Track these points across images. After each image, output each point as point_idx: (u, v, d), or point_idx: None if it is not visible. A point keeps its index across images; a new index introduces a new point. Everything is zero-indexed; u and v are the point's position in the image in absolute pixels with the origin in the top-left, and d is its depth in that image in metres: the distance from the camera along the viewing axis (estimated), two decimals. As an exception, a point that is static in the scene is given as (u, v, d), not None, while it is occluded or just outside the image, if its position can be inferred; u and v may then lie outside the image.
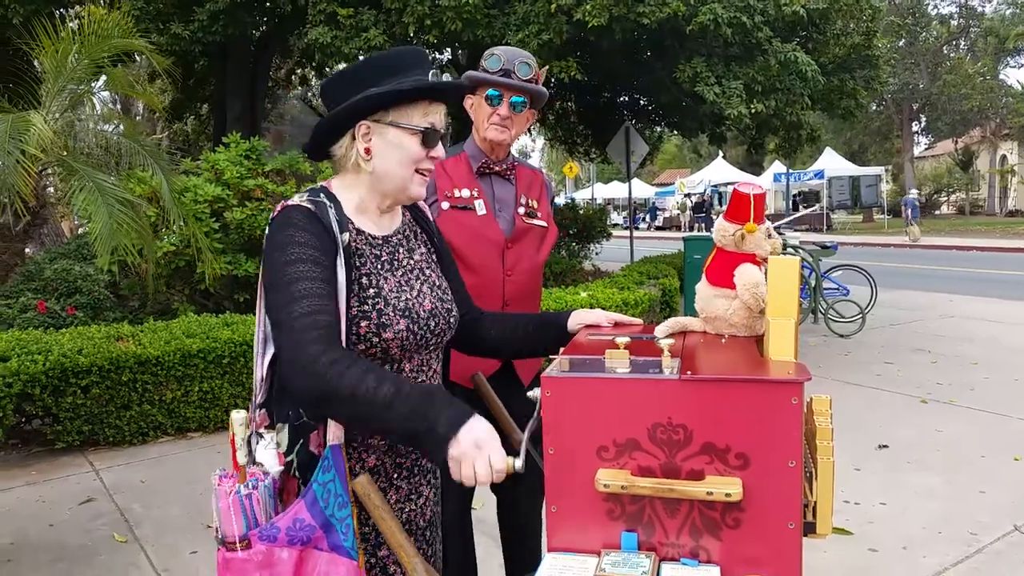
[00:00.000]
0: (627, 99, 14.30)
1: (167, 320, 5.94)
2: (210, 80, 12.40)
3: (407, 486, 1.69)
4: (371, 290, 1.58)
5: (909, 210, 25.77)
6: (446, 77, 1.78)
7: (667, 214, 38.81)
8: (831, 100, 9.90)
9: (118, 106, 29.63)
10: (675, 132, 15.52)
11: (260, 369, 1.61)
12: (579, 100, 15.96)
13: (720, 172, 35.16)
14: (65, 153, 3.38)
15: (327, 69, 13.97)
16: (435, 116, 1.61)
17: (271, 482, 1.55)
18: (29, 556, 3.69)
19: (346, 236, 1.56)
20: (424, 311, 1.65)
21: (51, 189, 3.46)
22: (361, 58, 1.89)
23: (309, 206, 1.55)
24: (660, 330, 1.68)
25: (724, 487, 1.30)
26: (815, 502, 1.41)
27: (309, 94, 22.21)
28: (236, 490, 1.49)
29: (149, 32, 8.64)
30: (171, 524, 4.01)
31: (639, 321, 1.85)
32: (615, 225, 18.69)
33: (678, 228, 35.55)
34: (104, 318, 6.51)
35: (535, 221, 2.57)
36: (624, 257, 13.07)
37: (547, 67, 2.75)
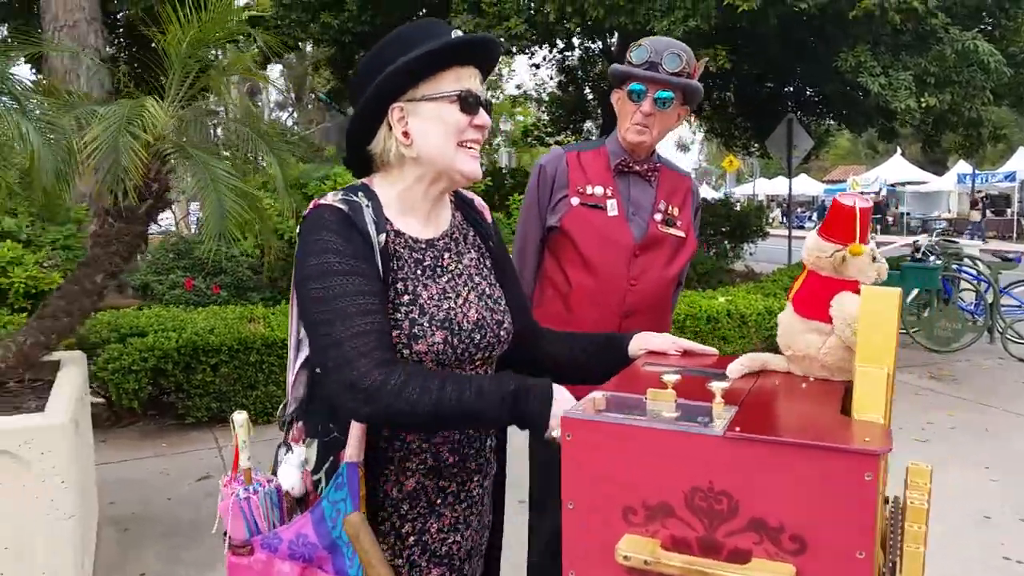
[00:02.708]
0: (791, 90, 13.46)
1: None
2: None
3: (451, 514, 1.52)
4: (405, 297, 1.42)
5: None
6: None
7: (836, 213, 36.54)
8: (1021, 94, 8.81)
9: (291, 95, 31.48)
10: (842, 126, 14.47)
11: (292, 375, 1.50)
12: (738, 90, 15.23)
13: (897, 170, 32.69)
14: (184, 139, 3.43)
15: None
16: (469, 81, 1.43)
17: (274, 489, 1.47)
18: (146, 527, 3.85)
19: (383, 238, 1.41)
20: (468, 322, 1.47)
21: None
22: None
23: (342, 207, 1.40)
24: (733, 369, 1.40)
25: (772, 575, 1.04)
26: (895, 604, 1.12)
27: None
28: (235, 493, 1.43)
29: (302, 22, 8.97)
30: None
31: (714, 351, 1.58)
32: (772, 223, 17.76)
33: (847, 229, 33.35)
34: (247, 298, 6.80)
35: (672, 230, 2.37)
36: (782, 258, 12.36)
37: (705, 58, 2.51)
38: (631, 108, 2.26)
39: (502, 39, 7.66)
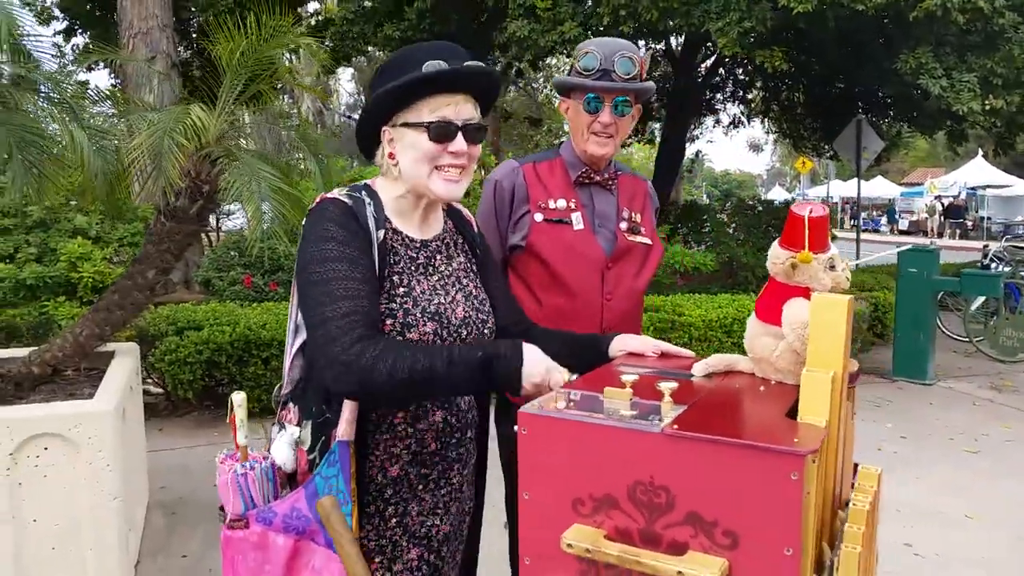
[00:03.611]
0: (860, 90, 13.13)
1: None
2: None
3: (431, 499, 1.63)
4: (401, 289, 1.53)
5: None
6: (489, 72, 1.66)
7: (913, 217, 35.38)
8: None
9: (362, 97, 32.11)
10: (911, 128, 14.03)
11: (289, 358, 1.61)
12: (807, 91, 14.92)
13: (978, 173, 31.40)
14: (233, 143, 3.60)
15: (541, 63, 14.14)
16: (447, 109, 1.50)
17: (269, 465, 1.57)
18: (192, 512, 4.04)
19: (381, 233, 1.53)
20: (456, 318, 1.58)
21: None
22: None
23: (346, 200, 1.53)
24: (698, 368, 1.46)
25: (701, 568, 1.09)
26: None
27: (529, 87, 22.62)
28: (233, 469, 1.53)
29: (364, 33, 9.21)
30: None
31: (690, 353, 1.63)
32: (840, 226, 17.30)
33: (924, 234, 32.31)
34: (303, 295, 7.01)
35: (638, 238, 2.28)
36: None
37: (649, 52, 2.48)
38: (587, 119, 2.16)
39: (555, 44, 7.72)
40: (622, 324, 2.18)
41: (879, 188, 37.07)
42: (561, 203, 2.22)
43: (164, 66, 8.57)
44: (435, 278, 1.60)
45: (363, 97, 31.73)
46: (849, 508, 1.22)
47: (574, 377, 1.40)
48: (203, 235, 10.65)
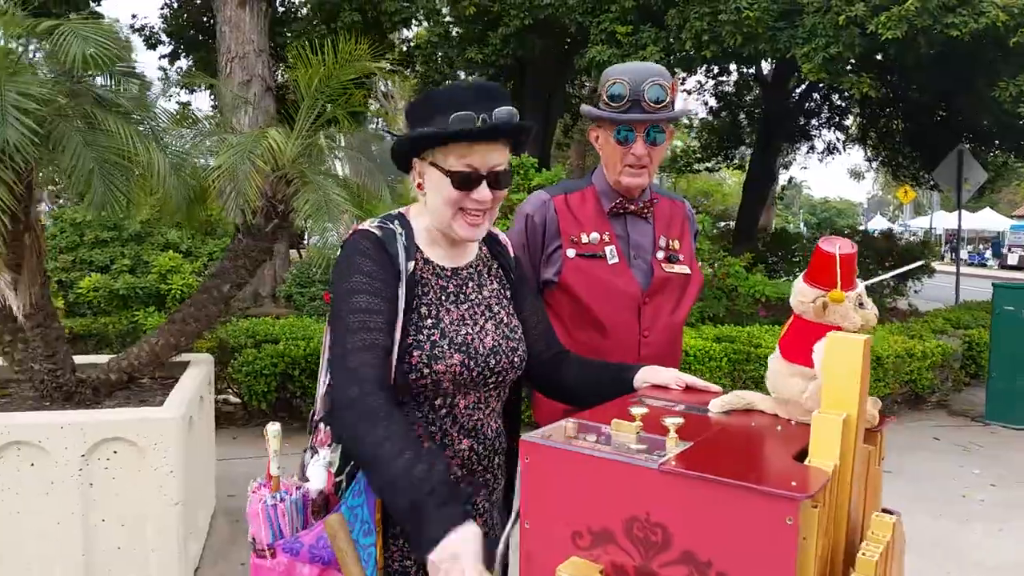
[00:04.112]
0: (963, 119, 12.60)
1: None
2: (514, 100, 13.13)
3: None
4: (429, 320, 1.55)
5: None
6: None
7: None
8: None
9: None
10: (1018, 158, 13.33)
11: (323, 385, 1.64)
12: (906, 118, 14.41)
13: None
14: (307, 166, 3.73)
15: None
16: (476, 157, 1.51)
17: (300, 496, 1.59)
18: (257, 519, 4.16)
19: (411, 264, 1.55)
20: (484, 348, 1.59)
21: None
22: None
23: (376, 232, 1.56)
24: (714, 404, 1.42)
25: (692, 611, 1.07)
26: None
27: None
28: (264, 499, 1.54)
29: (449, 57, 9.43)
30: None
31: (717, 388, 1.59)
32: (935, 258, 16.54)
33: (1036, 269, 30.52)
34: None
35: (676, 268, 2.16)
36: (950, 297, 11.59)
37: (679, 77, 2.38)
38: (619, 151, 2.07)
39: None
40: (659, 360, 1.99)
41: (987, 220, 35.28)
42: (594, 236, 2.13)
43: (259, 89, 8.97)
44: (465, 307, 1.61)
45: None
46: (857, 558, 1.16)
47: None
48: (295, 250, 11.03)
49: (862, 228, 19.97)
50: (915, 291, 12.20)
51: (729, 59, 8.39)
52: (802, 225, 41.73)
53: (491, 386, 1.61)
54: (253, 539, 1.54)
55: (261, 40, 9.03)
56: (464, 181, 1.51)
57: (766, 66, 13.28)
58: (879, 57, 8.57)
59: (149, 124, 3.11)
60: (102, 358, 3.84)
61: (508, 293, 1.72)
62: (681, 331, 2.23)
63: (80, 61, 2.96)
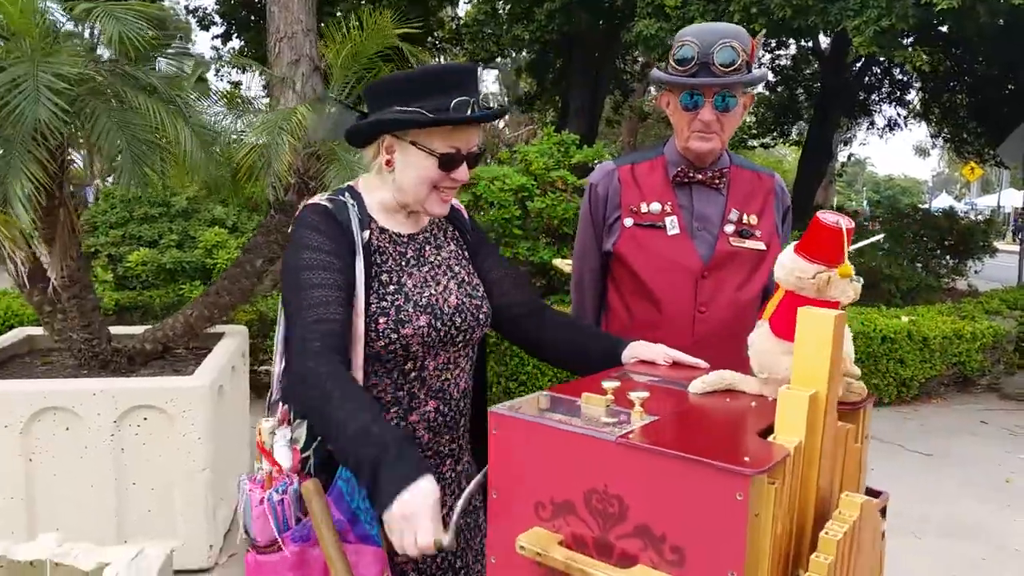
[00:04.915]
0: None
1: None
2: (562, 76, 13.06)
3: None
4: (391, 286, 1.57)
5: None
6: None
7: (1095, 231, 31.99)
8: None
9: (504, 98, 32.55)
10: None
11: (278, 364, 1.64)
12: (971, 92, 13.88)
13: None
14: (337, 143, 3.77)
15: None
16: (460, 140, 1.53)
17: (298, 482, 1.58)
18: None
19: (367, 234, 1.57)
20: (449, 307, 1.61)
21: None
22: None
23: (327, 204, 1.57)
24: (695, 385, 1.40)
25: (647, 583, 1.07)
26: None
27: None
28: (268, 496, 1.49)
29: (495, 34, 9.38)
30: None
31: (704, 364, 1.57)
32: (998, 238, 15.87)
33: (1109, 250, 29.10)
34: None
35: (747, 243, 2.03)
36: (1011, 277, 11.21)
37: (761, 32, 2.27)
38: (687, 117, 1.97)
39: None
40: (719, 341, 1.92)
41: (1054, 198, 33.79)
42: (655, 206, 2.05)
43: (307, 69, 9.04)
44: (425, 269, 1.63)
45: (506, 99, 32.20)
46: (820, 536, 1.14)
47: (447, 542, 1.27)
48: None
49: (924, 206, 19.34)
50: (975, 271, 11.78)
51: (780, 32, 8.15)
52: (865, 203, 40.52)
53: (459, 345, 1.63)
54: (254, 539, 1.50)
55: (309, 20, 9.08)
56: (449, 162, 1.53)
57: (824, 40, 12.91)
58: (944, 29, 8.27)
59: (180, 102, 3.17)
60: (138, 329, 3.96)
61: (467, 253, 1.74)
62: (752, 311, 2.00)
63: (117, 42, 3.04)
